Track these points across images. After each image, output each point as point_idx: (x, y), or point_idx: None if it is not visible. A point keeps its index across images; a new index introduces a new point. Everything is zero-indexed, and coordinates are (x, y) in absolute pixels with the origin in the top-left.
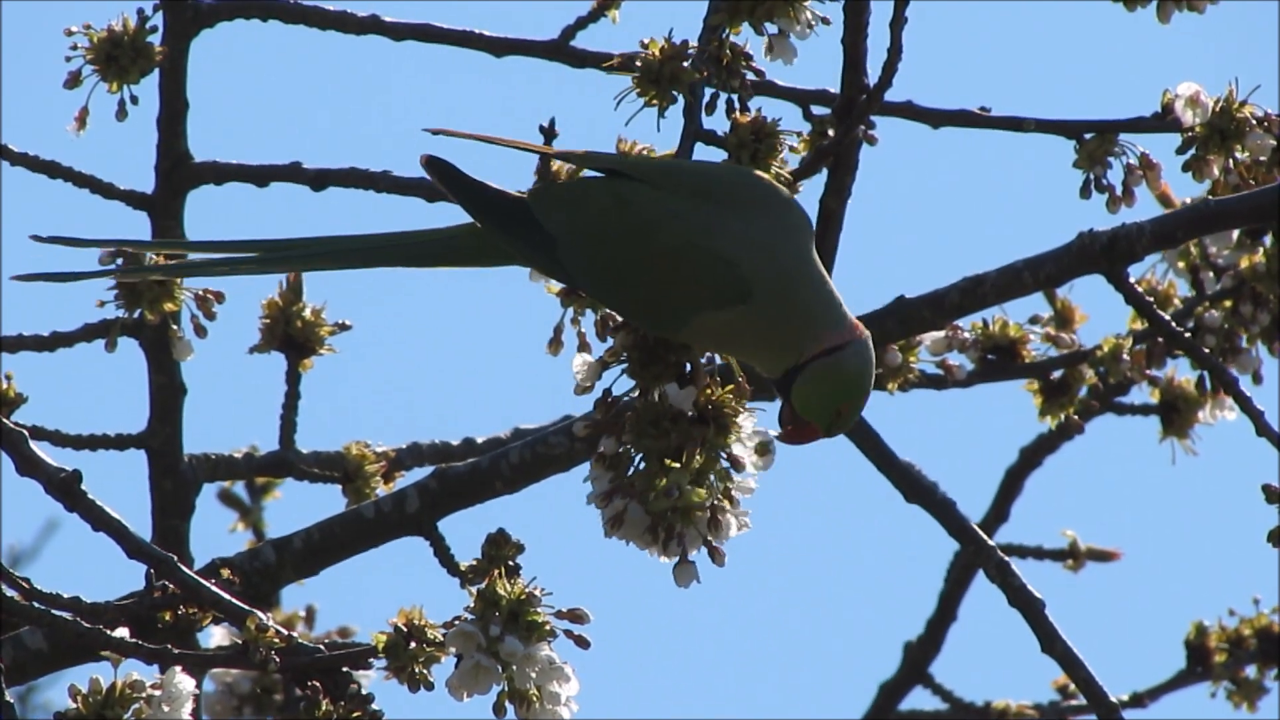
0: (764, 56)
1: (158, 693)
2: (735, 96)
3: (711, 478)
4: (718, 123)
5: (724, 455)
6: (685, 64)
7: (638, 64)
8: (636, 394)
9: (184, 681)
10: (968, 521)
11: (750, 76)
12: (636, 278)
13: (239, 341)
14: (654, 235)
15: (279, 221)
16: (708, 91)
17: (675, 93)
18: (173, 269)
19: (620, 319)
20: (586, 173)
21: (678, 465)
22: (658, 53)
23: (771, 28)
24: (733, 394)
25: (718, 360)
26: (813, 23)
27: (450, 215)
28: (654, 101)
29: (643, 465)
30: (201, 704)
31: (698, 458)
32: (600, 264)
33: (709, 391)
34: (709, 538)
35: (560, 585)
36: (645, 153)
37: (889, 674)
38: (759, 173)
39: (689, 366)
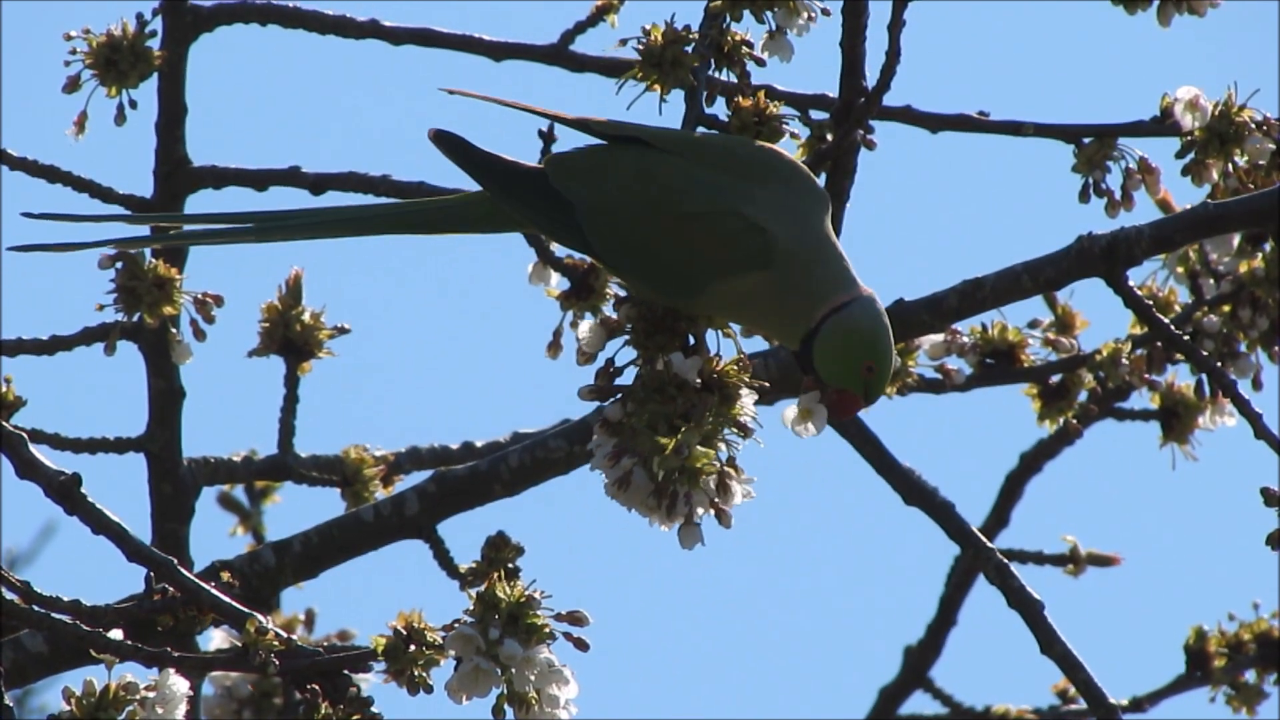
0: (761, 52)
1: (152, 694)
2: (736, 79)
3: (717, 447)
4: (718, 109)
5: (729, 427)
6: (687, 49)
7: (640, 46)
8: (641, 364)
9: (178, 683)
10: (967, 524)
11: (750, 65)
12: (658, 243)
13: (238, 345)
14: (680, 201)
15: None
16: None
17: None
18: (176, 238)
19: (625, 293)
20: (595, 141)
21: (687, 426)
22: (659, 37)
23: (771, 20)
24: (736, 366)
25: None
26: (813, 15)
27: None
28: (655, 85)
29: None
30: (201, 707)
31: (708, 418)
32: (621, 229)
33: (713, 363)
34: (716, 500)
35: (560, 588)
36: None
37: (889, 678)
38: (780, 149)
39: (692, 339)
